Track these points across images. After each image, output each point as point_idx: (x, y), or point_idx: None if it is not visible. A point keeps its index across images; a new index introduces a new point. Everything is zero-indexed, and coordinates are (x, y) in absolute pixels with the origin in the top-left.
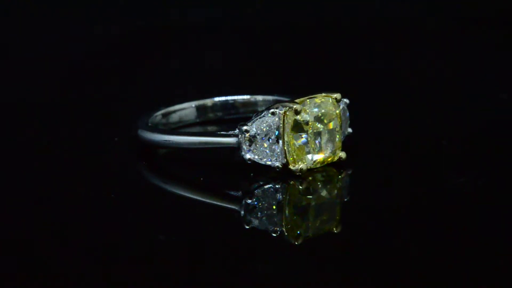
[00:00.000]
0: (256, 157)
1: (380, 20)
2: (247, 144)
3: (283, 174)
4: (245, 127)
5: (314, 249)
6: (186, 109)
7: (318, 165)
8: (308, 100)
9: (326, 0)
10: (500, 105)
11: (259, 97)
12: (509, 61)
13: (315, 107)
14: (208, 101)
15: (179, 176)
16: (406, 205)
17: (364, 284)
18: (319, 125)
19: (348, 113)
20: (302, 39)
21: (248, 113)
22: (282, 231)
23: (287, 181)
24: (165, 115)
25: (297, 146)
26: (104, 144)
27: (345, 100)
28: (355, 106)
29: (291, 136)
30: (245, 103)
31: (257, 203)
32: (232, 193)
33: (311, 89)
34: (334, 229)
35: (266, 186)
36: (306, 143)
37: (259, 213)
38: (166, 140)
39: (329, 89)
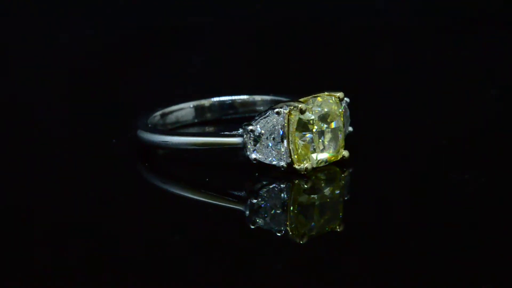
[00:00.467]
0: (261, 156)
1: (380, 19)
2: (252, 143)
3: (286, 173)
4: (250, 127)
5: (318, 248)
6: (184, 109)
7: (322, 164)
8: (311, 99)
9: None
10: (499, 104)
11: (258, 97)
12: (509, 60)
13: (318, 106)
14: (206, 102)
15: (181, 177)
16: (408, 204)
17: (368, 283)
18: (323, 124)
19: (348, 112)
20: (301, 39)
21: (247, 113)
22: (286, 231)
23: (292, 180)
24: (163, 116)
25: (302, 145)
26: (104, 144)
27: (345, 99)
28: (355, 105)
29: (296, 135)
30: (243, 103)
31: (262, 203)
32: (236, 193)
33: (310, 89)
34: (337, 227)
35: (270, 186)
36: (310, 142)
37: (264, 213)
38: (165, 141)
39: (328, 88)
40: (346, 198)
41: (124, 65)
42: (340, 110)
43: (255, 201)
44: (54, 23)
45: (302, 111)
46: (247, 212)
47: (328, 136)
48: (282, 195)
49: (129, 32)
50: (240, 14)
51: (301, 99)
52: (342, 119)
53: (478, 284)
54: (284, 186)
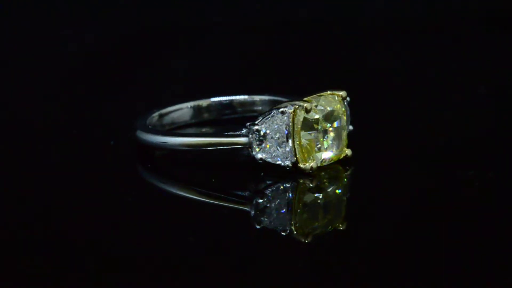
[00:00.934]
0: (267, 156)
1: (380, 19)
2: (257, 143)
3: (290, 172)
4: (256, 127)
5: (322, 247)
6: (181, 109)
7: (326, 163)
8: (315, 98)
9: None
10: (500, 103)
11: (256, 97)
12: (509, 59)
13: (322, 105)
14: (203, 102)
15: (183, 178)
16: (410, 203)
17: (370, 282)
18: (327, 123)
19: (349, 111)
20: (301, 38)
21: (245, 113)
22: (291, 230)
23: (296, 179)
24: (161, 116)
25: (307, 144)
26: (103, 144)
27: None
28: (355, 104)
29: (300, 134)
30: (242, 103)
31: (267, 203)
32: (241, 193)
33: (310, 89)
34: (340, 226)
35: (274, 186)
36: (315, 141)
37: (269, 213)
38: (164, 142)
39: (328, 87)
40: (348, 196)
41: (124, 65)
42: (343, 109)
43: (260, 201)
44: (54, 23)
45: (307, 110)
46: (253, 212)
47: (332, 135)
48: (287, 194)
49: (129, 32)
50: (240, 14)
51: (305, 98)
52: (345, 117)
53: (481, 283)
54: (289, 185)
